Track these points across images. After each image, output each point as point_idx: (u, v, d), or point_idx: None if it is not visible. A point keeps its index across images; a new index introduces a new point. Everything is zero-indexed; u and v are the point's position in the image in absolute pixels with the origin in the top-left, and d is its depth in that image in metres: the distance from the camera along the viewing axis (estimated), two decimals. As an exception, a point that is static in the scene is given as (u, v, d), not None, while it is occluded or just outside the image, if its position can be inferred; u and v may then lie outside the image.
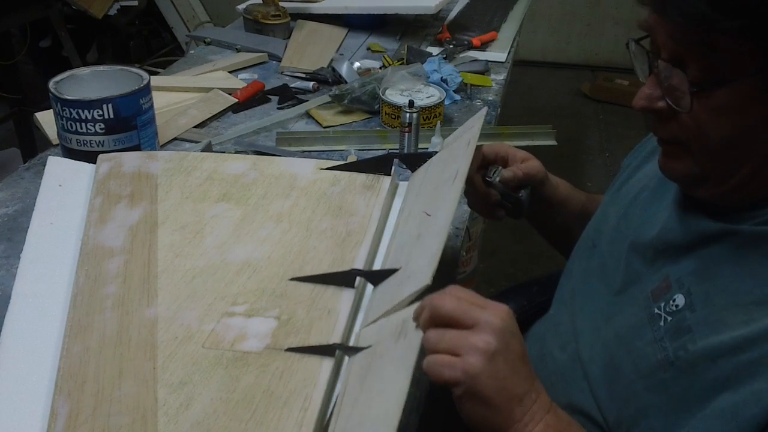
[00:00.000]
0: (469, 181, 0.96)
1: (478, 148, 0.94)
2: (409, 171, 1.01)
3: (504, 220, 1.01)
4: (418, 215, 0.85)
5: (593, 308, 0.83)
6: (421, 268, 0.71)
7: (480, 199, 0.97)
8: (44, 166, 1.05)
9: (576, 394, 0.80)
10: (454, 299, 0.64)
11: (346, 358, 0.73)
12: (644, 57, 0.71)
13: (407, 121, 1.23)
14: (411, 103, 1.25)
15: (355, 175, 0.99)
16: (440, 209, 0.79)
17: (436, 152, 0.97)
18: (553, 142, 1.43)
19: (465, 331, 0.62)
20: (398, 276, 0.78)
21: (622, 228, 0.84)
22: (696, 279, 0.70)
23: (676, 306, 0.70)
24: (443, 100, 1.42)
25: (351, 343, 0.74)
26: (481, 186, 0.95)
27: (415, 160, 1.00)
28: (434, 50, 1.82)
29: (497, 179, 0.94)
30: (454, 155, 0.90)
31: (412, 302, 0.69)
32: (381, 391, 0.62)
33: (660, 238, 0.76)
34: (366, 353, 0.71)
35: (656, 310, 0.73)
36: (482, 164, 0.96)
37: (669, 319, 0.71)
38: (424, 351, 0.63)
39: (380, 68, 1.67)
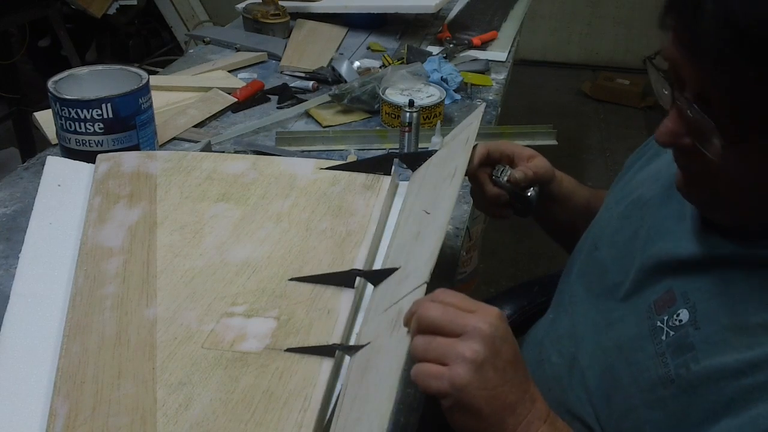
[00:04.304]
0: (476, 181, 0.95)
1: (477, 146, 0.93)
2: (410, 171, 1.01)
3: (510, 219, 1.00)
4: (418, 214, 0.85)
5: (594, 314, 0.82)
6: (419, 267, 0.71)
7: (488, 199, 0.95)
8: (43, 165, 1.05)
9: (574, 402, 0.79)
10: (440, 306, 0.61)
11: (347, 358, 0.73)
12: (663, 83, 0.66)
13: (407, 120, 1.23)
14: (411, 103, 1.24)
15: (354, 174, 0.99)
16: (439, 207, 0.79)
17: (436, 150, 0.97)
18: (553, 142, 1.42)
19: (452, 339, 0.60)
20: (397, 275, 0.78)
21: (624, 232, 0.83)
22: (704, 296, 0.68)
23: (680, 321, 0.68)
24: (443, 99, 1.42)
25: (351, 343, 0.74)
26: (489, 186, 0.94)
27: (416, 160, 1.00)
28: (434, 49, 1.82)
29: (505, 179, 0.93)
30: (452, 153, 0.89)
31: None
32: (377, 385, 0.62)
33: (668, 251, 0.74)
34: (365, 350, 0.71)
35: (659, 324, 0.71)
36: (488, 163, 0.94)
37: (671, 333, 0.69)
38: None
39: (380, 67, 1.67)
